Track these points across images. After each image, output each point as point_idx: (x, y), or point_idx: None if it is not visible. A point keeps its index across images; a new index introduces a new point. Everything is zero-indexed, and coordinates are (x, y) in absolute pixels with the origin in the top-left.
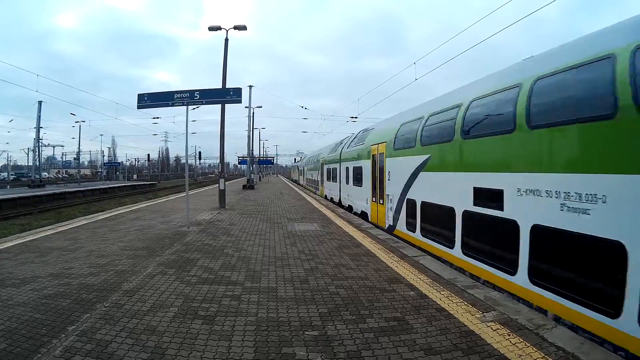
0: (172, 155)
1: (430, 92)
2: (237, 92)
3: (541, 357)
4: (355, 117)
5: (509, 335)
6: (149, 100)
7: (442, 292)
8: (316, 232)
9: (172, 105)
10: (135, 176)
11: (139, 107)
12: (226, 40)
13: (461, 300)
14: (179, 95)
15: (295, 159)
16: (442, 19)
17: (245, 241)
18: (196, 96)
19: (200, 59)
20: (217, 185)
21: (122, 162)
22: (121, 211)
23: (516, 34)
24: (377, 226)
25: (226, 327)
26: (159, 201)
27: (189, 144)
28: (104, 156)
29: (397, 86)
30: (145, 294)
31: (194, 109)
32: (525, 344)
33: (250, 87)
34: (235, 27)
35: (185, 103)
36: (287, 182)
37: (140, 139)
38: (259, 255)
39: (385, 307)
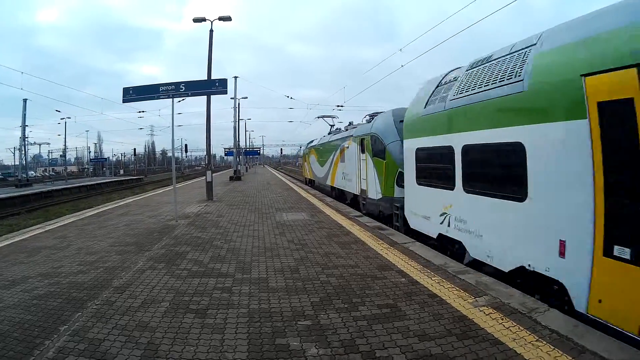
0: (158, 149)
1: (418, 79)
2: (223, 83)
3: (535, 340)
4: (341, 106)
5: (502, 319)
6: (134, 94)
7: (433, 278)
8: (305, 221)
9: (158, 98)
10: (122, 171)
11: (124, 101)
12: (211, 31)
13: (453, 286)
14: (164, 88)
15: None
16: (434, 7)
17: (234, 233)
18: (181, 88)
19: (185, 51)
20: (205, 177)
21: (108, 157)
22: (109, 207)
23: (506, 21)
24: None
25: (218, 320)
26: (147, 195)
27: (175, 136)
28: (90, 152)
29: (385, 74)
30: (135, 289)
31: (179, 101)
32: (519, 328)
33: (236, 78)
34: (220, 18)
35: (171, 95)
36: (275, 173)
37: (126, 134)
38: (249, 246)
39: (377, 294)
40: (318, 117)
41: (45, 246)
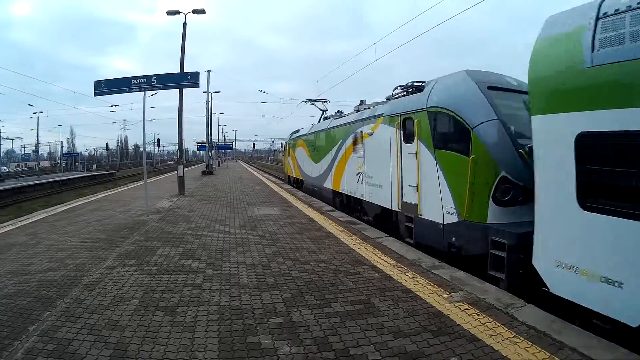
0: (131, 144)
1: (392, 74)
2: (195, 76)
3: (512, 337)
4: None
5: (478, 315)
6: (105, 87)
7: (406, 274)
8: (276, 215)
9: (130, 91)
10: (94, 166)
11: (95, 94)
12: (184, 24)
13: (427, 281)
14: (135, 81)
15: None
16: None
17: (205, 227)
18: (153, 81)
19: (159, 45)
20: (176, 172)
21: (81, 152)
22: (81, 202)
23: (484, 16)
24: None
25: (188, 317)
26: (118, 190)
27: (147, 131)
28: (62, 147)
29: (359, 68)
30: (105, 287)
31: (152, 95)
32: (496, 324)
33: (209, 71)
34: (194, 11)
35: (143, 89)
36: (247, 167)
37: (99, 128)
38: (220, 241)
39: (350, 290)
40: (306, 101)
41: (16, 243)
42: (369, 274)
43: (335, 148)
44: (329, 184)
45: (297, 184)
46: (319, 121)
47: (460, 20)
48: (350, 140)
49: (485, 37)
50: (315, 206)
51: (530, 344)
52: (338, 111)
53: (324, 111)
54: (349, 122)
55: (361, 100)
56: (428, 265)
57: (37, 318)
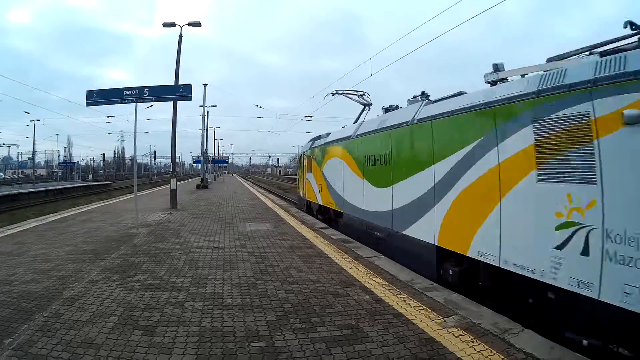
0: (127, 155)
1: (387, 90)
2: (187, 88)
3: None
4: (310, 116)
5: (473, 341)
6: (97, 97)
7: (399, 296)
8: (268, 232)
9: (121, 102)
10: (90, 176)
11: (87, 104)
12: (180, 36)
13: (420, 304)
14: (128, 92)
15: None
16: (403, 17)
17: (194, 243)
18: (145, 93)
19: (155, 57)
20: (169, 185)
21: (77, 161)
22: (73, 212)
23: (478, 34)
24: None
25: (167, 338)
26: (112, 202)
27: (144, 143)
28: (59, 156)
29: (353, 83)
30: (86, 302)
31: (147, 107)
32: (491, 351)
33: (205, 85)
34: (190, 24)
35: (135, 100)
36: (243, 182)
37: (96, 139)
38: (207, 258)
39: (338, 313)
40: (336, 93)
41: (3, 252)
42: (359, 296)
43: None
44: (421, 231)
45: (324, 214)
46: (357, 121)
47: (455, 40)
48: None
49: (481, 55)
50: (308, 223)
51: None
52: (423, 93)
53: (365, 106)
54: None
55: (422, 92)
56: (421, 287)
57: (14, 331)
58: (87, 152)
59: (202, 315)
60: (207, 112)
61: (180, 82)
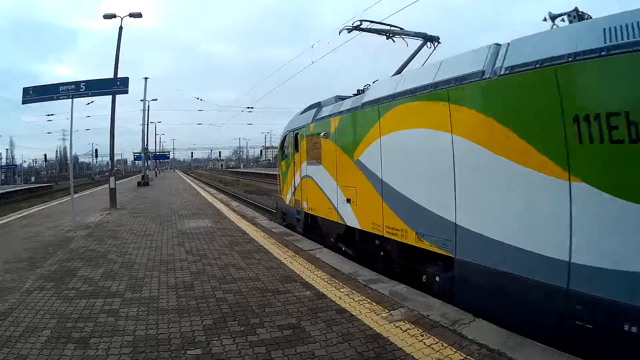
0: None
1: (331, 78)
2: (124, 82)
3: (462, 359)
4: (252, 108)
5: (422, 335)
6: (34, 94)
7: (341, 290)
8: (207, 228)
9: (58, 98)
10: (33, 178)
11: (23, 102)
12: (120, 28)
13: (364, 298)
14: (64, 88)
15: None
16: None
17: (131, 244)
18: (82, 88)
19: (101, 51)
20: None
21: (20, 163)
22: (12, 218)
23: (434, 19)
24: None
25: (100, 351)
26: (54, 204)
27: (85, 141)
28: (1, 159)
29: (298, 72)
30: (19, 315)
31: (88, 103)
32: (442, 345)
33: (146, 79)
34: (131, 15)
35: (71, 96)
36: (185, 178)
37: (38, 139)
38: (144, 259)
39: (278, 312)
40: (353, 29)
41: None
42: (300, 292)
43: None
44: None
45: (365, 245)
46: (358, 93)
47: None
48: None
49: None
50: (248, 217)
51: None
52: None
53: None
54: None
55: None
56: (365, 280)
57: None
58: (29, 153)
59: (137, 322)
60: (148, 106)
61: (122, 76)
